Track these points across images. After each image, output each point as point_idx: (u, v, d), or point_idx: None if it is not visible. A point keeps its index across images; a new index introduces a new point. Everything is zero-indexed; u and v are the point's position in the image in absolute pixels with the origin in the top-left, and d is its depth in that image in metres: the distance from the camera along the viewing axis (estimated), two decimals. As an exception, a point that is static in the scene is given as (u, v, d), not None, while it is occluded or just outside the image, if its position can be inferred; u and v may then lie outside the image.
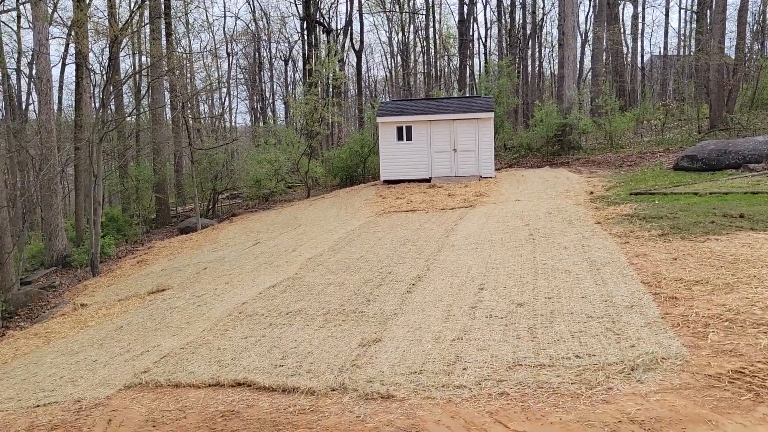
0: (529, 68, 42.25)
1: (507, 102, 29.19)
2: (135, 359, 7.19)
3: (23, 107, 31.90)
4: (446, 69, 49.04)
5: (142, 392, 5.96)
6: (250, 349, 6.79)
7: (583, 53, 42.21)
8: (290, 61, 49.32)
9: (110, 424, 5.22)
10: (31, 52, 28.86)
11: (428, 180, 21.43)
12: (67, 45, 32.12)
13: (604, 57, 36.81)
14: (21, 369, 8.20)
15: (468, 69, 38.97)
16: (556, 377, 5.10)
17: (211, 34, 66.05)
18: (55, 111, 26.09)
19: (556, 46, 34.43)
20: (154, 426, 5.06)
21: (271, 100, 51.13)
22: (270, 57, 49.78)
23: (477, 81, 38.19)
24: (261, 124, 43.69)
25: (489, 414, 4.61)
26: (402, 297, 8.16)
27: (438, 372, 5.49)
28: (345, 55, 39.76)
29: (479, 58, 47.07)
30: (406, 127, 21.61)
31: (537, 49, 43.50)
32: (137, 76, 32.59)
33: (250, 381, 5.76)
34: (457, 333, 6.46)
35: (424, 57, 46.54)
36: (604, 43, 35.57)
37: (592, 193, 15.56)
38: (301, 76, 45.64)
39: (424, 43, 45.78)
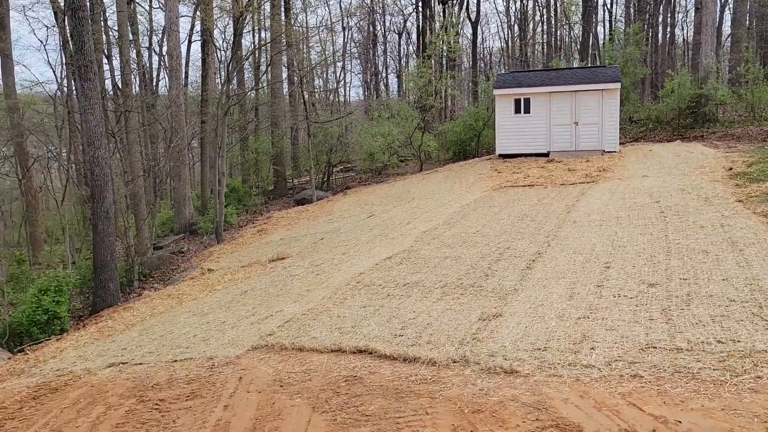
0: (659, 35, 39.41)
1: (634, 72, 27.45)
2: (260, 322, 7.49)
3: (154, 83, 34.11)
4: (567, 38, 46.89)
5: (268, 354, 6.20)
6: (369, 318, 6.86)
7: (721, 18, 38.79)
8: (404, 34, 49.19)
9: (241, 382, 5.47)
10: (161, 31, 30.72)
11: (546, 154, 20.67)
12: (192, 23, 33.92)
13: (747, 21, 33.57)
14: (158, 326, 8.81)
15: (591, 38, 36.99)
16: (696, 362, 4.74)
17: (327, 9, 67.15)
18: (183, 86, 27.63)
19: (692, 10, 31.83)
20: (281, 386, 5.24)
21: (384, 74, 51.36)
22: (384, 30, 49.85)
23: (600, 50, 36.20)
24: (374, 97, 44.00)
25: (621, 396, 4.36)
26: (522, 273, 7.93)
27: (563, 350, 5.27)
28: (460, 26, 38.99)
29: (603, 26, 44.66)
30: (524, 99, 20.90)
31: (669, 15, 40.43)
32: (257, 51, 33.78)
33: (371, 349, 5.82)
34: (582, 311, 6.18)
35: (543, 26, 44.76)
36: (748, 6, 32.41)
37: (731, 169, 14.31)
38: (414, 48, 45.46)
39: (544, 12, 43.97)
